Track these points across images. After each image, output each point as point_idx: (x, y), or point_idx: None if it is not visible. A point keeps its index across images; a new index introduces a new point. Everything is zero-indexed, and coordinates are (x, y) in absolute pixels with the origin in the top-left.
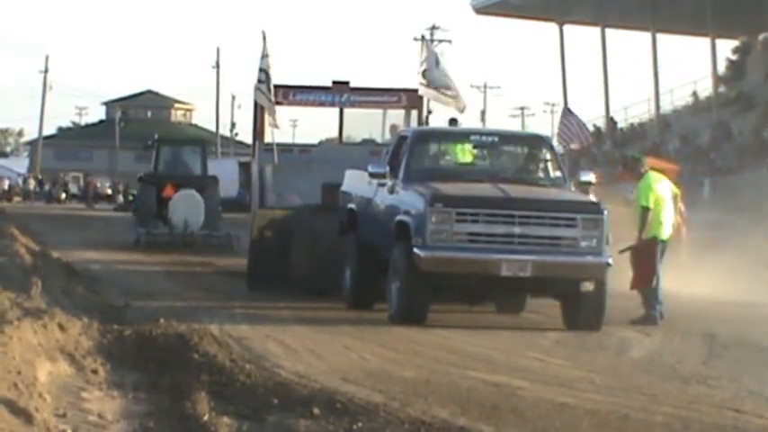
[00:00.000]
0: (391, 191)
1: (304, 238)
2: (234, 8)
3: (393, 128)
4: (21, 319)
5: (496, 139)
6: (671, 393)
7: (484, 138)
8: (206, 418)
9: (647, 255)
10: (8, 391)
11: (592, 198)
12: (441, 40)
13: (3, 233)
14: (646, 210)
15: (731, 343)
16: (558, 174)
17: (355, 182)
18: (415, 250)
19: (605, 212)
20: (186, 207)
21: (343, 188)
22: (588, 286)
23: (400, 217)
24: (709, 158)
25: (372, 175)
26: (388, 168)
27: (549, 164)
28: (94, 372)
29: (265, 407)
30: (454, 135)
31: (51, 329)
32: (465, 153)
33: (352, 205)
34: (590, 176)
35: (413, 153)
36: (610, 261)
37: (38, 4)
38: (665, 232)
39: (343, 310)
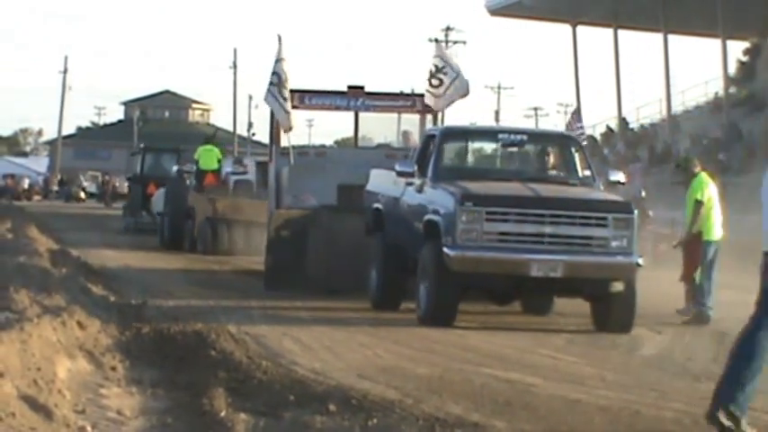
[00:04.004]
0: (419, 190)
1: (320, 238)
2: (250, 9)
3: (405, 134)
4: (40, 316)
5: (525, 137)
6: (681, 390)
7: (512, 137)
8: (223, 414)
9: (694, 249)
10: (28, 388)
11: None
12: (455, 41)
13: (23, 232)
14: (699, 203)
15: None
16: (587, 173)
17: (381, 181)
18: (445, 250)
19: (636, 212)
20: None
21: (369, 188)
22: (618, 287)
23: (429, 216)
24: (718, 159)
25: (400, 174)
26: (416, 167)
27: (578, 163)
28: (113, 369)
29: (282, 403)
30: (483, 134)
31: (70, 327)
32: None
33: (378, 205)
34: (619, 176)
35: (441, 151)
36: (640, 261)
37: (58, 4)
38: (717, 233)
39: (359, 309)
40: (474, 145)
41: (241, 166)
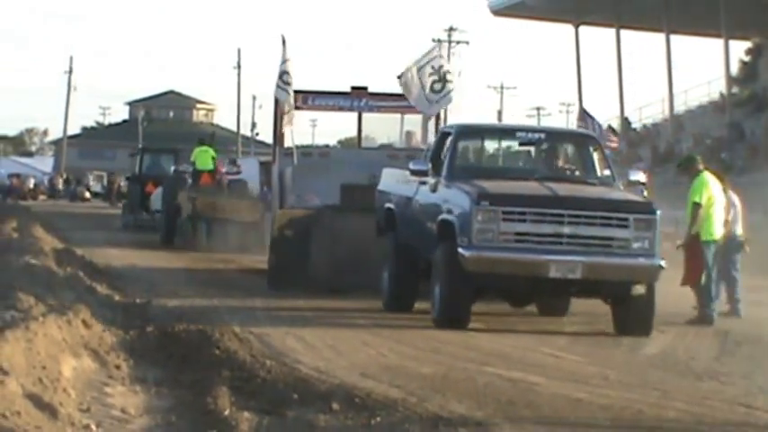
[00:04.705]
0: (433, 189)
1: (324, 238)
2: (254, 10)
3: (408, 134)
4: (45, 315)
5: (543, 136)
6: (684, 389)
7: (530, 135)
8: (227, 412)
9: (694, 251)
10: (33, 386)
11: (644, 198)
12: (458, 42)
13: (28, 231)
14: (697, 206)
15: (743, 340)
16: (607, 172)
17: (393, 180)
18: (460, 250)
19: (658, 213)
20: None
21: (381, 187)
22: (639, 289)
23: (444, 216)
24: (721, 158)
25: (413, 173)
26: (429, 165)
27: (597, 162)
28: (118, 367)
29: (285, 402)
30: (500, 131)
31: (75, 326)
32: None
33: (390, 205)
34: (639, 175)
35: (456, 150)
36: (663, 264)
37: (59, 4)
38: (717, 232)
39: (363, 308)
40: (490, 143)
41: (235, 167)
